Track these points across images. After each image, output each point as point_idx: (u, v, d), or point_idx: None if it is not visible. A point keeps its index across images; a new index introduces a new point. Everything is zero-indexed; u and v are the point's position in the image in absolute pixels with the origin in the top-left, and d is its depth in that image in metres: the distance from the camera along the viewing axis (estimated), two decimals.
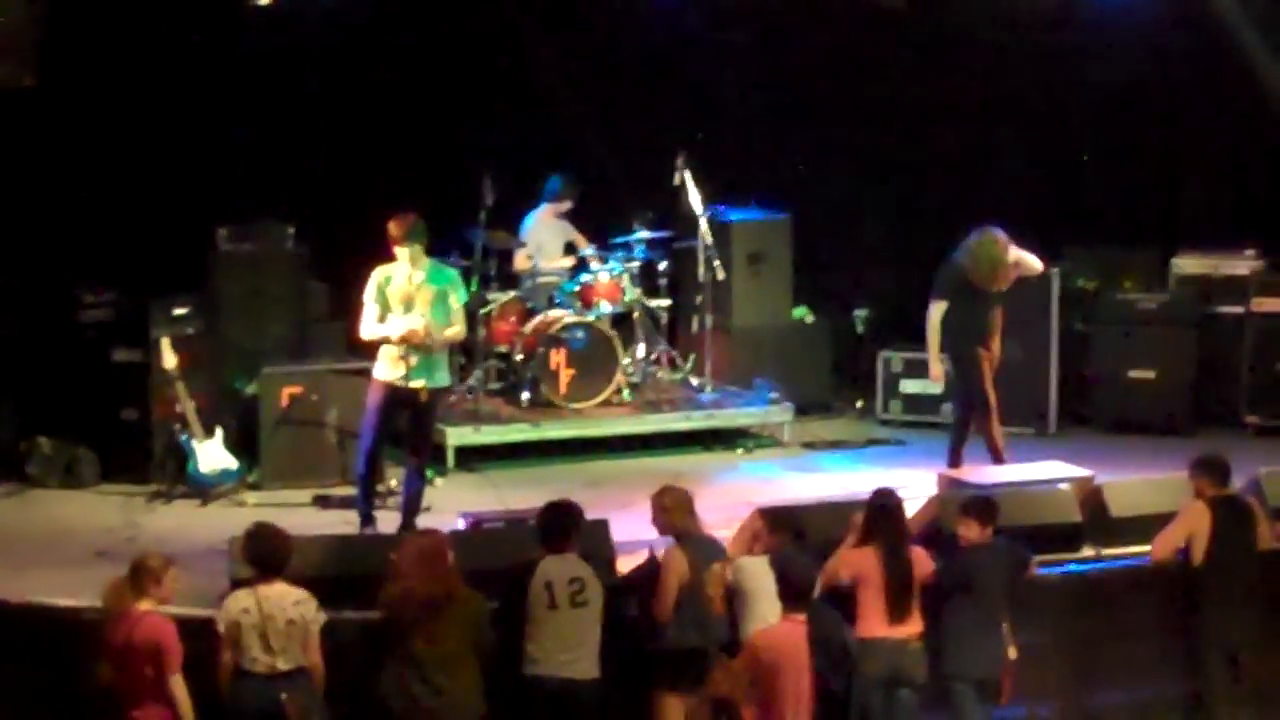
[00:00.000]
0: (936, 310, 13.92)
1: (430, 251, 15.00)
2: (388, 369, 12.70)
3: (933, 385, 16.21)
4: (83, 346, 14.55)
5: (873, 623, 10.96)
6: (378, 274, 12.81)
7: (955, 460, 13.96)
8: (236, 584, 10.54)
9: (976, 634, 11.13)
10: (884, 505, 11.22)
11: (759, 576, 10.82)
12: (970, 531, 11.22)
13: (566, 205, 16.02)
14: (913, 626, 11.00)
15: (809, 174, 17.10)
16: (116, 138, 15.15)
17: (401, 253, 12.70)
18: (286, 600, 10.10)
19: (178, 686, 9.90)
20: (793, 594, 10.40)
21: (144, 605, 10.01)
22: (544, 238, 15.95)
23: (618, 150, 16.52)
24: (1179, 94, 16.61)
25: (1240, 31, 15.80)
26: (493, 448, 14.90)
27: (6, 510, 13.71)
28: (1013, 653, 11.20)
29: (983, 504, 11.34)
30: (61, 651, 10.92)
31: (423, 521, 12.55)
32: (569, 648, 10.47)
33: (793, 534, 11.06)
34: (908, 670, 10.96)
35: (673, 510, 10.91)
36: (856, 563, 11.07)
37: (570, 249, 16.04)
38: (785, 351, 16.42)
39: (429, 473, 14.09)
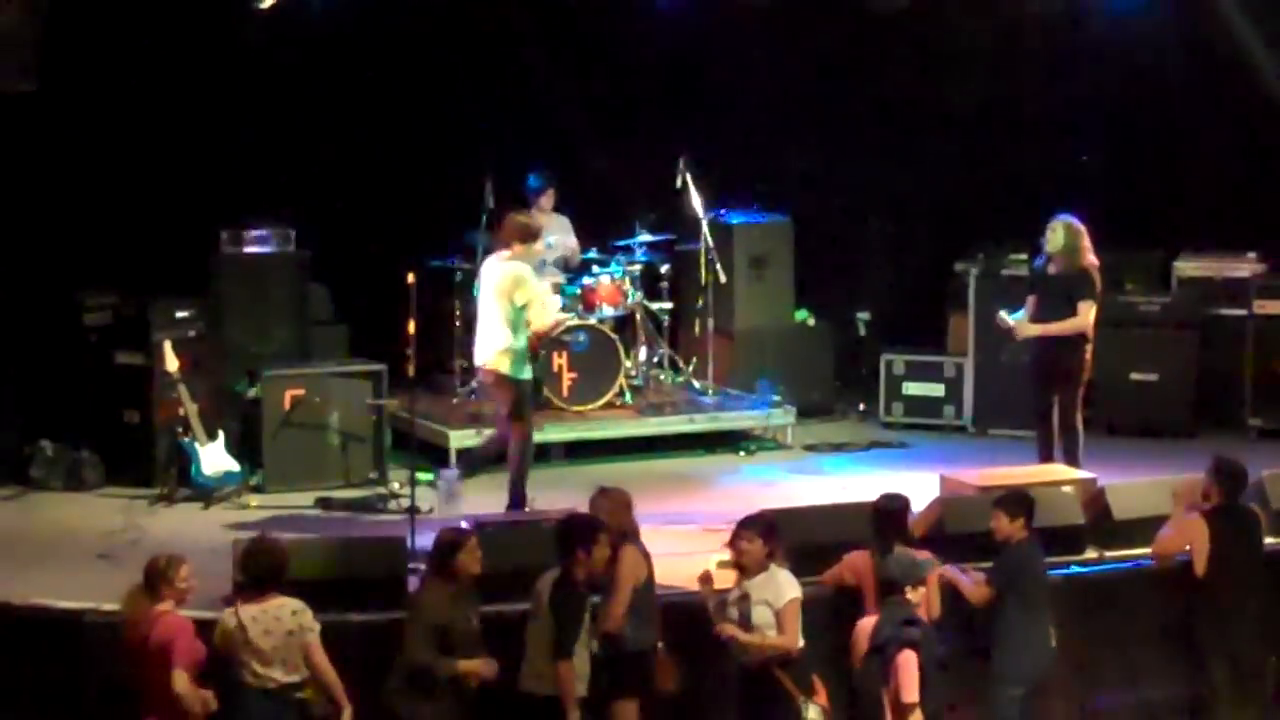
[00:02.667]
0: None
1: (432, 254, 15.11)
2: (528, 367, 13.32)
3: (935, 387, 16.28)
4: (85, 350, 14.53)
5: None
6: (527, 269, 13.36)
7: (1045, 456, 13.95)
8: (232, 599, 10.53)
9: (1028, 633, 11.16)
10: (878, 509, 11.26)
11: None
12: (1013, 527, 11.21)
13: (546, 200, 15.94)
14: None
15: (811, 177, 17.07)
16: (118, 141, 15.14)
17: (530, 248, 13.36)
18: (284, 612, 10.07)
19: (179, 681, 9.84)
20: (880, 589, 10.67)
21: (162, 607, 10.01)
22: None
23: (619, 153, 16.51)
24: (1181, 96, 16.60)
25: (1242, 33, 15.82)
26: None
27: (10, 513, 13.71)
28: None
29: (1022, 499, 11.35)
30: (64, 653, 10.93)
31: (423, 524, 12.54)
32: (527, 659, 10.50)
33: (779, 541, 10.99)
34: None
35: (616, 510, 10.89)
36: (854, 565, 11.10)
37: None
38: (787, 354, 16.42)
39: (432, 475, 14.15)
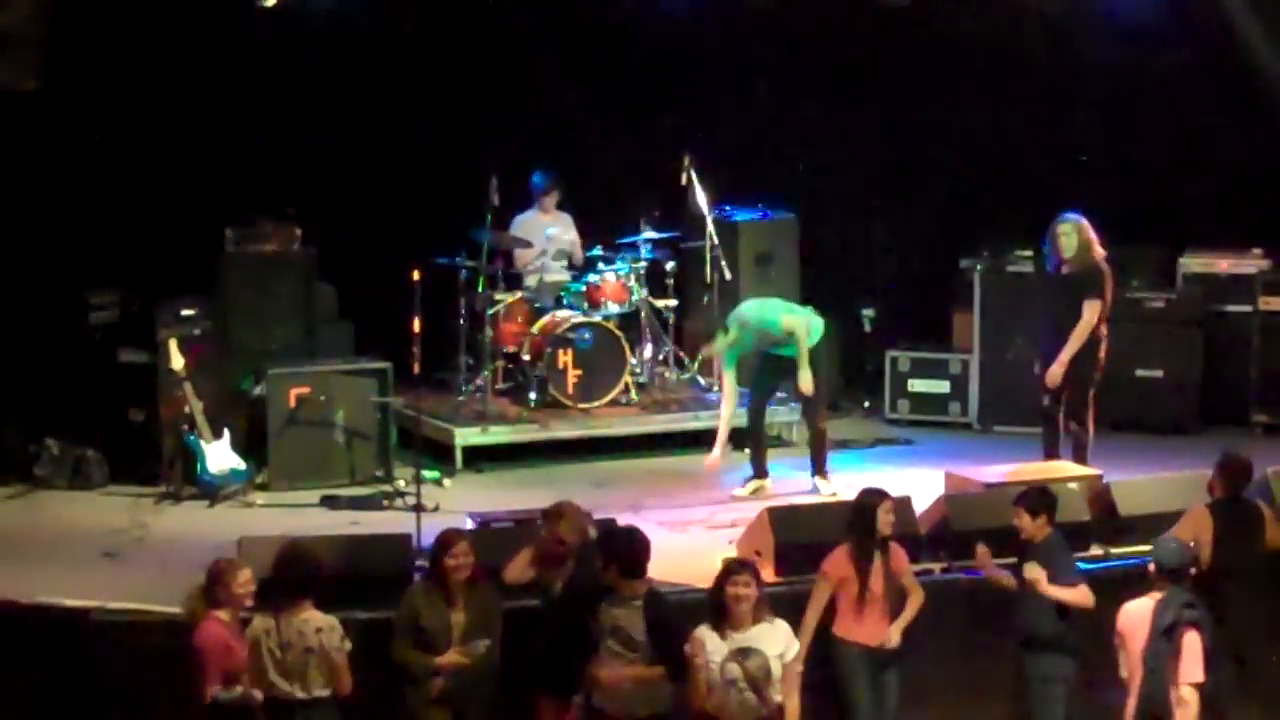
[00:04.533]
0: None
1: (437, 251, 15.10)
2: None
3: (940, 384, 16.27)
4: (90, 348, 14.55)
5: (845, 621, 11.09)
6: None
7: (1050, 453, 13.91)
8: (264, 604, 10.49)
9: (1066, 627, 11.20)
10: (855, 505, 11.27)
11: None
12: (1036, 525, 11.21)
13: (550, 200, 15.92)
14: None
15: (815, 173, 17.07)
16: (124, 139, 15.15)
17: None
18: (309, 628, 10.08)
19: (209, 696, 9.94)
20: (1158, 571, 10.70)
21: (217, 614, 10.07)
22: (532, 237, 15.91)
23: (624, 151, 16.50)
24: (1185, 91, 16.59)
25: (1246, 28, 15.80)
26: (500, 448, 14.90)
27: (15, 511, 13.72)
28: None
29: (1043, 495, 11.37)
30: (69, 652, 10.94)
31: (429, 521, 12.56)
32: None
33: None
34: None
35: (585, 526, 10.89)
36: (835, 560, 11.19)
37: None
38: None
39: (436, 473, 14.16)
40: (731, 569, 10.46)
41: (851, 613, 11.06)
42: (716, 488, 14.24)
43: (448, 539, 10.64)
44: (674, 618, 10.31)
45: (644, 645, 10.21)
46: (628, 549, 10.46)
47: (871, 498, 11.26)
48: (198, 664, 9.95)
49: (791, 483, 14.34)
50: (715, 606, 10.34)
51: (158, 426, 14.19)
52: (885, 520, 11.12)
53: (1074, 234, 13.76)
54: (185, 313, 14.41)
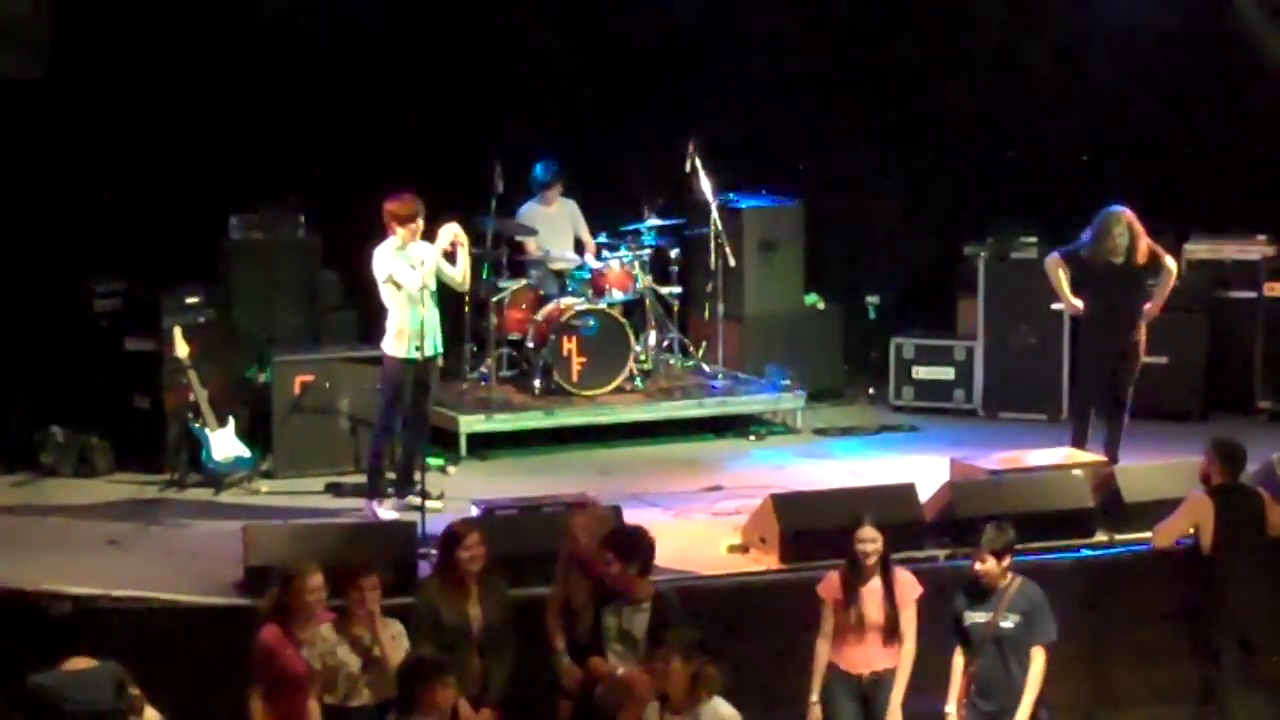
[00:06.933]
0: (1053, 260, 13.76)
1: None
2: (403, 346, 12.89)
3: (945, 371, 16.26)
4: (95, 336, 14.55)
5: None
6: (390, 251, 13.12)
7: (1078, 442, 13.76)
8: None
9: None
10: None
11: None
12: (1002, 567, 10.79)
13: (552, 193, 15.89)
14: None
15: (820, 160, 17.07)
16: (128, 127, 15.15)
17: (406, 231, 13.08)
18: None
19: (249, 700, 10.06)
20: None
21: (273, 624, 10.07)
22: (535, 225, 15.89)
23: (628, 137, 16.50)
24: (1190, 78, 16.58)
25: (1250, 15, 15.79)
26: (505, 435, 14.90)
27: (20, 499, 13.72)
28: None
29: (1003, 534, 10.84)
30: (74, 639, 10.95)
31: (433, 509, 12.58)
32: None
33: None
34: None
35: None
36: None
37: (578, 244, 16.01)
38: (797, 338, 16.41)
39: (441, 460, 14.17)
40: (661, 647, 9.82)
41: (838, 636, 10.72)
42: (722, 474, 14.24)
43: (459, 531, 10.60)
44: (679, 622, 10.11)
45: (643, 645, 10.10)
46: (641, 549, 10.42)
47: (853, 520, 10.74)
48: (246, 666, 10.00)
49: (795, 471, 14.34)
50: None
51: (163, 414, 14.19)
52: (858, 547, 10.59)
53: (1129, 230, 13.64)
54: (190, 300, 14.43)
